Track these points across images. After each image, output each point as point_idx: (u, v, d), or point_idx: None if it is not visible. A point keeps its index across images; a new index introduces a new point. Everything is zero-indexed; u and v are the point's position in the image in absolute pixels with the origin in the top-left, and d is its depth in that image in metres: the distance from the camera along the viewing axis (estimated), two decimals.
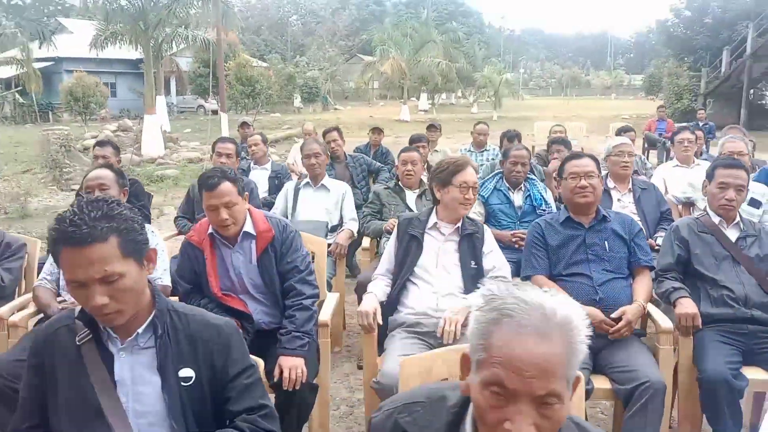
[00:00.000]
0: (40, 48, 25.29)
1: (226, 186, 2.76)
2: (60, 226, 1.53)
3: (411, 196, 4.56)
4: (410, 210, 4.47)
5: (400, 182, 4.62)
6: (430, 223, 3.11)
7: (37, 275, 3.29)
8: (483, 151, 7.16)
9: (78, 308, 1.69)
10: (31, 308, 3.06)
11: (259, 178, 5.87)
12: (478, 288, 2.69)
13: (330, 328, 3.08)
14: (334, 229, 4.53)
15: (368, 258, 4.41)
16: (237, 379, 1.74)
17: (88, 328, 1.67)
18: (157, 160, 15.46)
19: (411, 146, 4.91)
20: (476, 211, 4.59)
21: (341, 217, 4.59)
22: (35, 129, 20.91)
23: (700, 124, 14.25)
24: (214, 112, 34.87)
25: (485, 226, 3.24)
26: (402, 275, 3.09)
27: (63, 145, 11.89)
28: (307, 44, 48.64)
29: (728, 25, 26.15)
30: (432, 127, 7.59)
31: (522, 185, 4.56)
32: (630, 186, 4.31)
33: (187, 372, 1.70)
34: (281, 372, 2.59)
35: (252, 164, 6.09)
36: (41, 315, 3.02)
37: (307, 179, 4.69)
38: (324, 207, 4.57)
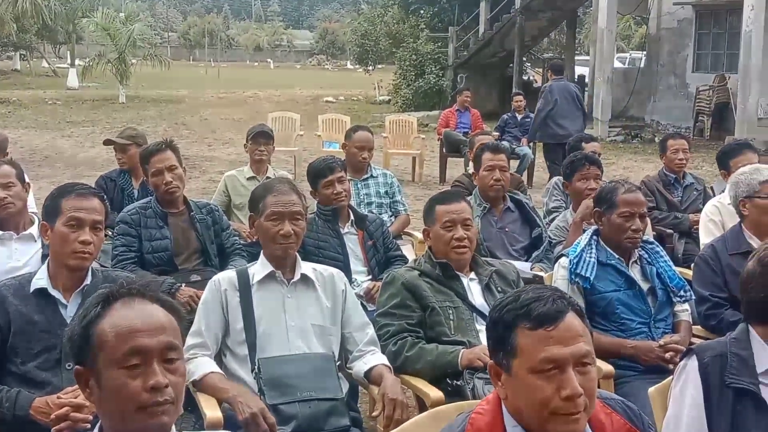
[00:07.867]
0: None
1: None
2: None
3: (474, 286, 2.43)
4: (479, 314, 2.33)
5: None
6: (762, 368, 1.68)
7: None
8: (366, 179, 4.18)
9: None
10: None
11: None
12: None
13: None
14: None
15: None
16: None
17: None
18: None
19: None
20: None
21: None
22: None
23: (519, 117, 11.44)
24: None
25: None
26: None
27: None
28: None
29: None
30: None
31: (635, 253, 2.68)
32: None
33: None
34: None
35: None
36: None
37: None
38: None
